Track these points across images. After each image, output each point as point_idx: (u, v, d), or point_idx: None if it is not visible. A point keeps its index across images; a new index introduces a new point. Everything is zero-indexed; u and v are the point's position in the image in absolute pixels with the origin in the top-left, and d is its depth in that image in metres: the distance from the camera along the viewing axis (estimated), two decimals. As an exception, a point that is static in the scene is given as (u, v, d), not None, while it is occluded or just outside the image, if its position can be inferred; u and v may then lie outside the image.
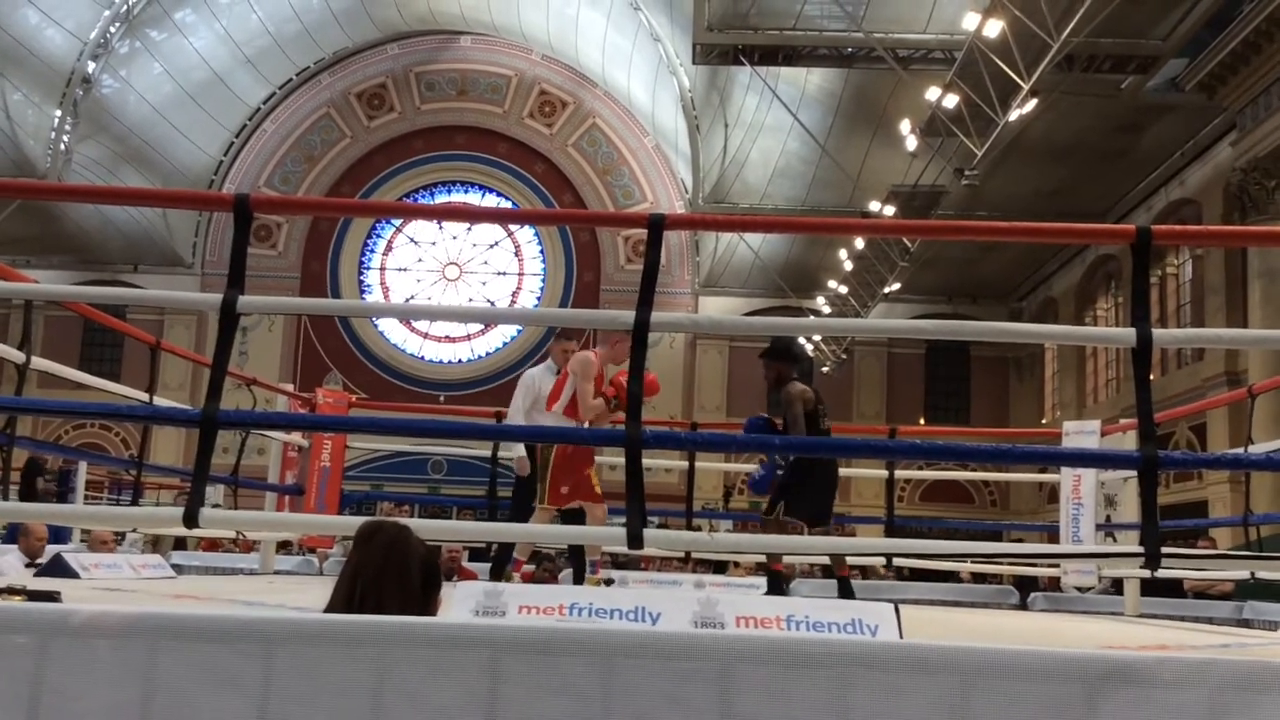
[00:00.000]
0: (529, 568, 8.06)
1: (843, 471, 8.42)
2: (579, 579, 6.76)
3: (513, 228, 31.23)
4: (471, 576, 9.48)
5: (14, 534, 7.75)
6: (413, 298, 30.71)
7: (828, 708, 1.91)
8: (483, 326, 30.67)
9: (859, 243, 21.71)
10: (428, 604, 2.66)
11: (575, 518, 6.72)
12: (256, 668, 2.03)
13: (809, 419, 6.10)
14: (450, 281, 31.03)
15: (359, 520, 2.95)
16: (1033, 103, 15.42)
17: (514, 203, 30.66)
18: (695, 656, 1.96)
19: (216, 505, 10.45)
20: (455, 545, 9.66)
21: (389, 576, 2.60)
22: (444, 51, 31.13)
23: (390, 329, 30.57)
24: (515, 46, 30.70)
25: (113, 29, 25.27)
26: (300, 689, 2.02)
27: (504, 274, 31.26)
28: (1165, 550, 3.69)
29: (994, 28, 14.18)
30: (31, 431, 22.48)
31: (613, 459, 7.45)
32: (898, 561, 8.87)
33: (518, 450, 7.28)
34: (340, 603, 2.59)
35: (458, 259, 31.22)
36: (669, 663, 1.96)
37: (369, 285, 31.00)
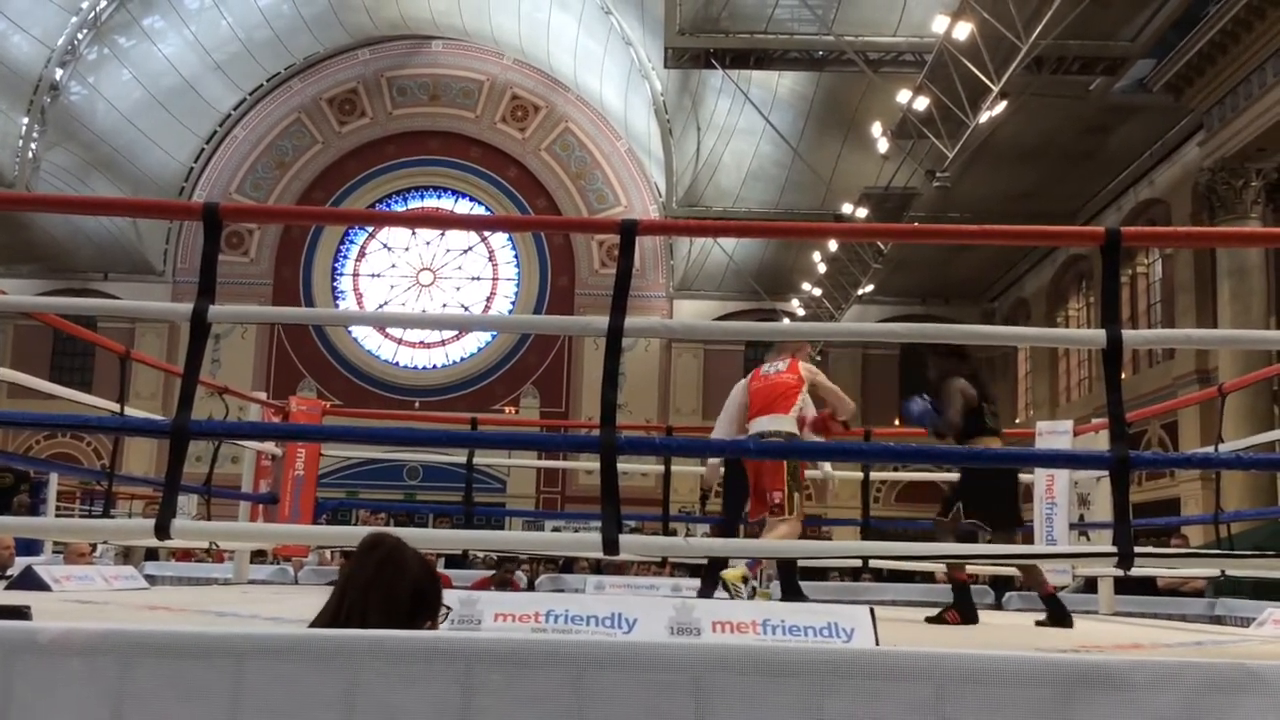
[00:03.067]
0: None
1: (818, 473, 8.43)
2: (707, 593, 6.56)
3: (486, 233, 31.17)
4: (445, 582, 9.43)
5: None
6: (386, 304, 30.60)
7: (803, 715, 1.91)
8: (457, 332, 30.58)
9: (832, 245, 21.79)
10: (415, 628, 2.59)
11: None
12: (227, 683, 2.01)
13: (973, 415, 6.01)
14: (424, 287, 30.93)
15: (334, 530, 2.93)
16: (1002, 104, 15.53)
17: (487, 207, 30.60)
18: (670, 667, 1.95)
19: (194, 515, 10.38)
20: (429, 551, 9.60)
21: (376, 595, 2.54)
22: (415, 56, 31.05)
23: (364, 335, 30.44)
24: (487, 51, 30.66)
25: (80, 35, 25.08)
26: (272, 704, 2.00)
27: (478, 279, 31.19)
28: (1138, 550, 3.71)
29: (963, 30, 14.25)
30: (2, 443, 22.30)
31: (590, 464, 7.43)
32: (874, 563, 8.89)
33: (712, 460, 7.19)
34: (328, 614, 2.55)
35: (431, 265, 31.13)
36: (643, 673, 1.95)
37: (342, 291, 30.87)
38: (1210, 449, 7.56)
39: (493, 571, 10.32)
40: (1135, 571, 5.20)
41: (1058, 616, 5.88)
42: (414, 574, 2.64)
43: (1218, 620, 7.79)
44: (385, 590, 2.55)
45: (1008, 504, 6.07)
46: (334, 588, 2.66)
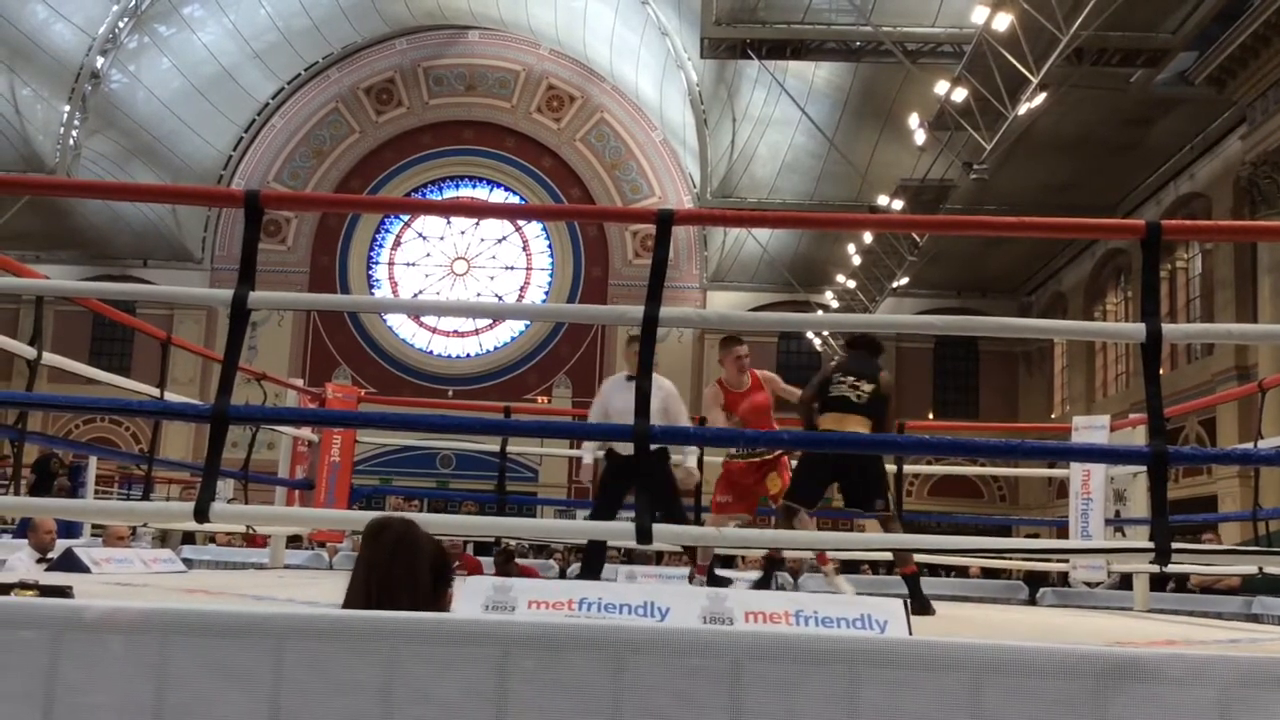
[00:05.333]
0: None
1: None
2: (591, 575, 6.74)
3: (521, 223, 31.24)
4: (476, 566, 9.52)
5: (24, 529, 7.77)
6: (421, 292, 30.73)
7: (837, 704, 1.92)
8: (491, 321, 30.68)
9: (867, 237, 21.69)
10: (438, 600, 2.66)
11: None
12: (268, 663, 2.04)
13: (819, 386, 6.17)
14: (458, 276, 31.05)
15: (368, 515, 2.95)
16: (1042, 96, 15.38)
17: (522, 197, 30.66)
18: (705, 653, 1.96)
19: (232, 500, 10.50)
20: (456, 537, 9.69)
21: (399, 574, 2.60)
22: (452, 46, 31.13)
23: (399, 324, 30.60)
24: (523, 41, 30.69)
25: (121, 24, 25.32)
26: (311, 684, 2.03)
27: (512, 269, 31.28)
28: (1175, 545, 3.68)
29: (1003, 21, 14.14)
30: (42, 426, 22.55)
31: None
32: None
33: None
34: (358, 600, 2.59)
35: (466, 254, 31.25)
36: (679, 659, 1.96)
37: (378, 280, 31.04)
38: (1249, 445, 7.49)
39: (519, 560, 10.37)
40: (1171, 568, 5.16)
41: (919, 602, 5.81)
42: (429, 548, 2.70)
43: (1254, 619, 7.72)
44: (407, 568, 2.62)
45: (884, 485, 6.11)
46: (354, 575, 2.69)
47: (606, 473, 6.90)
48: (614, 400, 6.78)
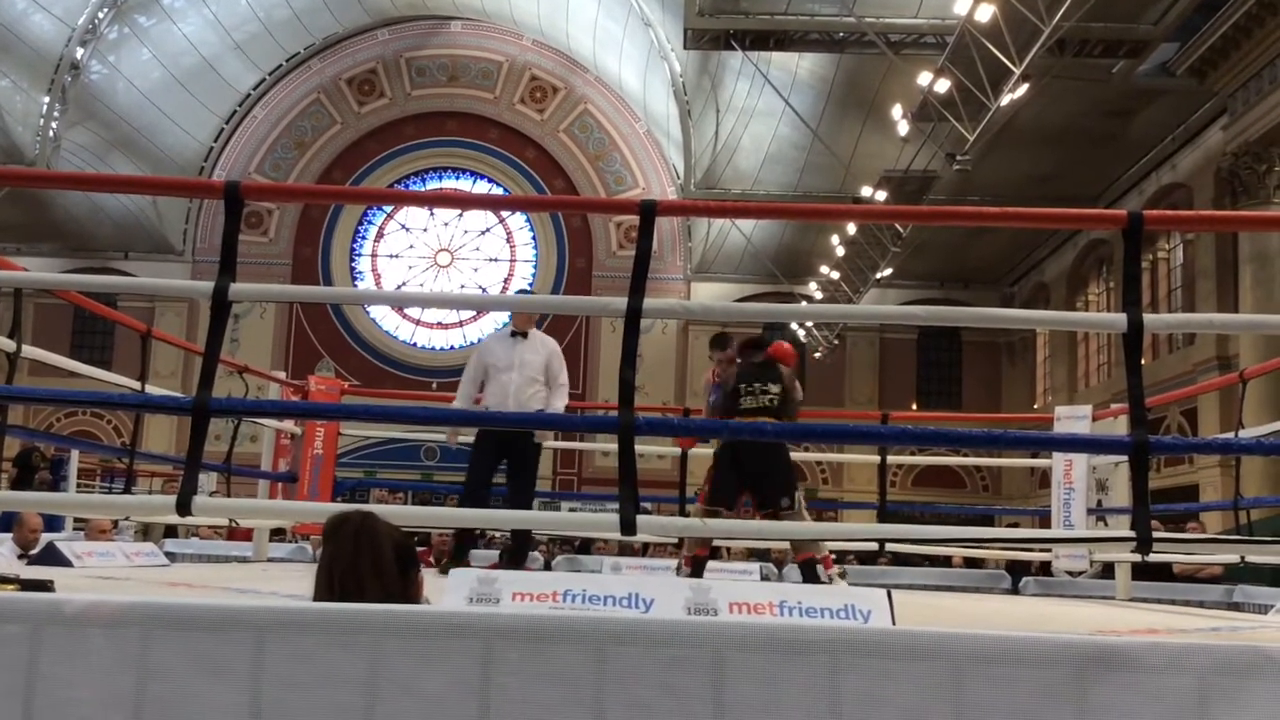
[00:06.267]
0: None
1: (836, 457, 8.46)
2: (516, 564, 6.85)
3: (504, 214, 31.18)
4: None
5: (8, 523, 7.74)
6: (404, 284, 30.67)
7: (820, 693, 1.92)
8: (474, 313, 30.62)
9: (851, 228, 21.71)
10: (408, 586, 2.65)
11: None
12: (249, 656, 2.03)
13: (728, 397, 6.43)
14: (442, 268, 30.98)
15: (352, 508, 2.94)
16: (1024, 87, 15.42)
17: (505, 189, 30.60)
18: (688, 643, 1.97)
19: (214, 493, 10.46)
20: (446, 531, 9.68)
21: (364, 564, 2.59)
22: (434, 37, 31.02)
23: (382, 315, 30.52)
24: (506, 32, 30.60)
25: (101, 14, 25.15)
26: (293, 678, 2.02)
27: (496, 260, 31.21)
28: (1157, 534, 3.70)
29: (985, 12, 14.15)
30: (23, 420, 22.44)
31: (607, 445, 7.45)
32: (890, 546, 8.89)
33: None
34: (324, 598, 2.58)
35: (449, 245, 31.17)
36: (662, 650, 1.96)
37: (360, 272, 30.93)
38: (1230, 435, 7.53)
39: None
40: (1153, 557, 5.19)
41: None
42: (392, 536, 2.70)
43: (1235, 607, 7.78)
44: (372, 561, 2.61)
45: (791, 484, 6.38)
46: (318, 573, 2.68)
47: (476, 446, 6.95)
48: (494, 355, 6.86)
